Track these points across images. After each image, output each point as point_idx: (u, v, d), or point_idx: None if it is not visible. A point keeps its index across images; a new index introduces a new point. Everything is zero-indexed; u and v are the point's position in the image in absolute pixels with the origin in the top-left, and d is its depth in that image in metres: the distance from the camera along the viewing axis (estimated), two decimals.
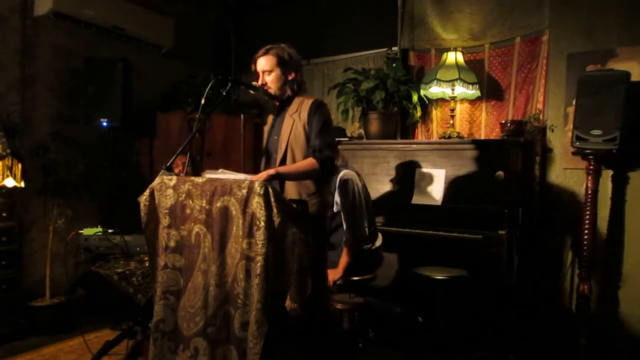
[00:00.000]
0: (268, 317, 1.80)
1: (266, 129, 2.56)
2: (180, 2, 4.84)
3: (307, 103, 2.38)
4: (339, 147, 3.16)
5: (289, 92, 2.44)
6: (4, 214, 3.36)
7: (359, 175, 2.96)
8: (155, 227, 2.07)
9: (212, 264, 1.93)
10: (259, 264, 1.80)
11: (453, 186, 3.48)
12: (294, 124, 2.36)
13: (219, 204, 1.91)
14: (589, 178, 3.08)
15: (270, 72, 2.39)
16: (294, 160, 2.34)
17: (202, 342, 1.94)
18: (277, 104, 2.48)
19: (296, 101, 2.42)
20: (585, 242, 3.09)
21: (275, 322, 1.82)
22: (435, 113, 4.09)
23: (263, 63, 2.39)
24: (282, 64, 2.38)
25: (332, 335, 2.44)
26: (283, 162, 2.34)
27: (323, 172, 2.29)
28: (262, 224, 1.81)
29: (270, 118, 2.56)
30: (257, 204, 1.82)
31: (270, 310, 1.81)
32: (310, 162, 2.27)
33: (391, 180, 3.72)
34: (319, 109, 2.36)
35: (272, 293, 1.83)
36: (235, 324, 1.88)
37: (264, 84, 2.41)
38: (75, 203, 3.79)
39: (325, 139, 2.32)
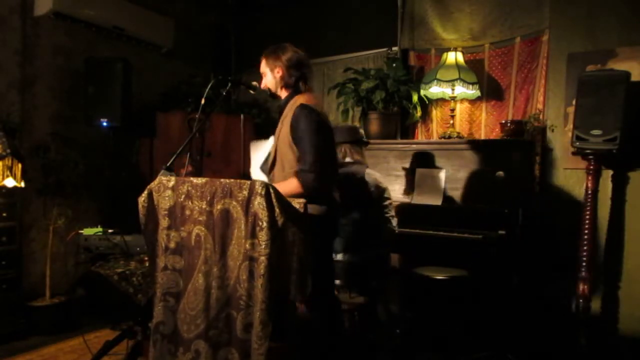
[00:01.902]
0: (272, 317, 1.80)
1: None
2: (180, 2, 4.84)
3: (293, 107, 2.23)
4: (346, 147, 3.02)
5: (284, 92, 2.37)
6: (4, 214, 3.36)
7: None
8: (154, 228, 2.06)
9: (213, 266, 1.93)
10: (262, 264, 1.80)
11: (453, 186, 3.48)
12: (282, 130, 2.27)
13: (219, 206, 1.91)
14: (589, 178, 3.08)
15: (265, 73, 2.40)
16: (282, 167, 2.25)
17: (203, 345, 1.94)
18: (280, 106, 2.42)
19: (290, 103, 2.30)
20: (585, 242, 3.09)
21: (276, 321, 1.83)
22: (435, 113, 4.09)
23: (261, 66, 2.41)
24: (268, 62, 2.37)
25: (338, 334, 2.44)
26: (272, 167, 2.33)
27: (309, 193, 2.11)
28: (265, 224, 1.81)
29: None
30: (259, 205, 1.82)
31: (274, 310, 1.81)
32: (294, 184, 2.14)
33: (391, 180, 3.72)
34: (299, 118, 2.17)
35: (275, 293, 1.83)
36: (237, 326, 1.88)
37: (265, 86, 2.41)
38: (75, 203, 3.80)
39: (309, 156, 2.13)
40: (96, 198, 4.01)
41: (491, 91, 3.86)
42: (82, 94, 3.80)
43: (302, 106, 2.20)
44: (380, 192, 2.94)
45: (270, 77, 2.37)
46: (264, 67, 2.39)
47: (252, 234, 1.84)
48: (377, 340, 3.15)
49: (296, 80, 2.34)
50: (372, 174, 2.98)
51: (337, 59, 4.62)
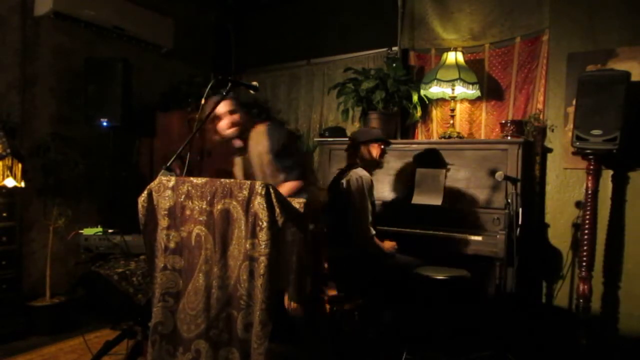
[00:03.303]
0: (272, 317, 1.80)
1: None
2: (180, 2, 4.84)
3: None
4: None
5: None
6: (4, 214, 3.36)
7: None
8: (154, 229, 2.06)
9: (214, 266, 1.93)
10: (262, 264, 1.80)
11: (453, 186, 3.48)
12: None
13: (219, 206, 1.91)
14: (589, 178, 3.08)
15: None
16: None
17: (203, 345, 1.94)
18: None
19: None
20: (585, 242, 3.09)
21: (276, 321, 1.83)
22: (435, 113, 4.09)
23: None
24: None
25: (328, 333, 2.45)
26: None
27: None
28: (265, 224, 1.81)
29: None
30: (259, 205, 1.82)
31: (273, 310, 1.81)
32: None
33: (391, 180, 3.72)
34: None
35: (275, 293, 1.83)
36: (238, 325, 1.88)
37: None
38: (75, 203, 3.80)
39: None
40: (96, 198, 4.01)
41: (491, 91, 3.86)
42: (82, 94, 3.80)
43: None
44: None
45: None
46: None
47: (253, 234, 1.84)
48: (377, 340, 3.16)
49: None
50: (357, 172, 3.01)
51: (337, 59, 4.62)
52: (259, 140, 2.60)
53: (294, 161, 2.56)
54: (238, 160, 2.78)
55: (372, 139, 3.13)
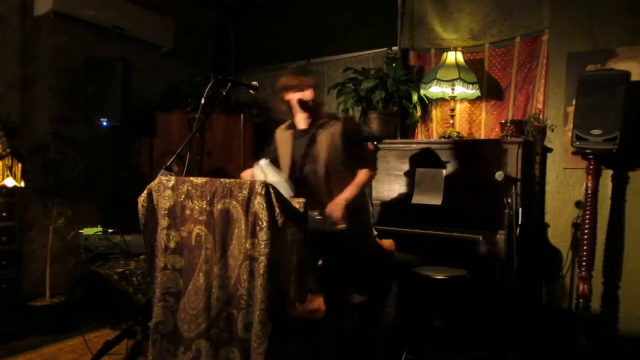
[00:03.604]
0: (271, 317, 1.80)
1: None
2: (180, 2, 4.84)
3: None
4: None
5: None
6: (4, 214, 3.36)
7: None
8: (154, 228, 2.06)
9: (214, 266, 1.93)
10: (262, 264, 1.80)
11: (453, 186, 3.48)
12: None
13: (219, 206, 1.91)
14: (589, 178, 3.08)
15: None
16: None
17: (204, 344, 1.94)
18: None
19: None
20: (585, 242, 3.09)
21: (276, 321, 1.83)
22: (435, 113, 4.09)
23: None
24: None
25: (331, 334, 2.45)
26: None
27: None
28: (265, 224, 1.81)
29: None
30: (259, 205, 1.82)
31: (273, 310, 1.81)
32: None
33: (391, 180, 3.72)
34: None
35: (275, 293, 1.83)
36: (238, 325, 1.88)
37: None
38: (75, 203, 3.80)
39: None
40: (96, 198, 4.01)
41: (491, 91, 3.86)
42: (82, 94, 3.80)
43: None
44: None
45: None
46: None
47: (253, 234, 1.84)
48: (377, 339, 3.16)
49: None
50: None
51: (337, 59, 4.62)
52: (335, 124, 2.61)
53: (369, 152, 2.67)
54: (288, 136, 2.68)
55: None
